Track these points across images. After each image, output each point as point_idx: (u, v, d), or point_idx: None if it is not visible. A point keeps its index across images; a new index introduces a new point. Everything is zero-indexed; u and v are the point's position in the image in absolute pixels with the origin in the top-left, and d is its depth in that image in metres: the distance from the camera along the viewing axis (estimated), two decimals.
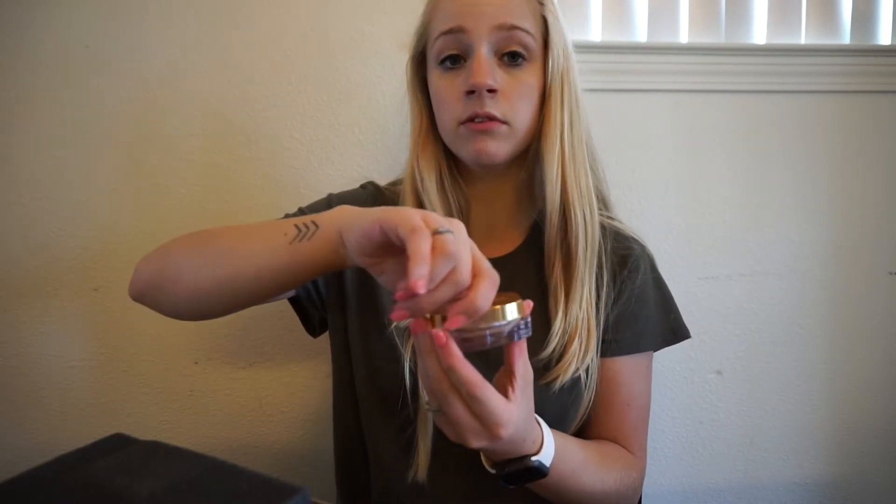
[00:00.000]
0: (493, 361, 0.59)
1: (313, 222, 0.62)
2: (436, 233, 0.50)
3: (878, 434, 1.18)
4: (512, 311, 0.53)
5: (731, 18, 1.10)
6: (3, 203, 0.98)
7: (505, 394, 0.57)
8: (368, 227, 0.54)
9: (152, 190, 1.01)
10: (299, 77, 1.01)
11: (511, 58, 0.74)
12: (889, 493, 1.20)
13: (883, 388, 1.17)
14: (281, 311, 0.99)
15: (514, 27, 0.73)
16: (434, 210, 0.77)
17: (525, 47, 0.74)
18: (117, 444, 0.46)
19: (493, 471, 0.64)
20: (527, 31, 0.73)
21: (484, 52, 0.73)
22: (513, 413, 0.56)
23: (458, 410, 0.55)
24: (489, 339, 0.53)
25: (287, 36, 1.01)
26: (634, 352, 0.81)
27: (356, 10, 1.01)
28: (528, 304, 0.55)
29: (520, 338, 0.55)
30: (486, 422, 0.55)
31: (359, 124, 1.04)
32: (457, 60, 0.75)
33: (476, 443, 0.56)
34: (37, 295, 1.00)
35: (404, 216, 0.51)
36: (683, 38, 1.10)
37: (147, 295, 0.70)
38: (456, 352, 0.52)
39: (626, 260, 0.82)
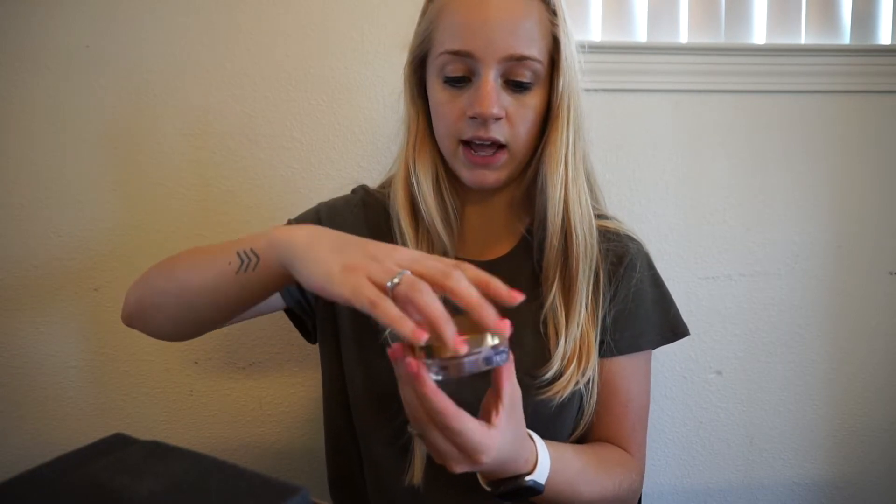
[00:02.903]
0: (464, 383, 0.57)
1: (253, 252, 0.62)
2: (391, 288, 0.50)
3: (878, 434, 1.18)
4: (485, 340, 0.52)
5: (731, 18, 1.10)
6: (3, 203, 0.98)
7: (489, 417, 0.56)
8: (313, 287, 0.55)
9: (152, 190, 1.00)
10: (299, 77, 1.01)
11: (517, 84, 0.72)
12: (889, 494, 1.19)
13: (883, 388, 1.17)
14: (280, 311, 0.99)
15: (523, 57, 0.71)
16: (429, 212, 0.77)
17: (533, 73, 0.72)
18: (117, 444, 0.46)
19: (488, 489, 0.64)
20: (536, 60, 0.72)
21: (491, 79, 0.71)
22: (494, 439, 0.55)
23: (437, 438, 0.55)
24: (466, 367, 0.52)
25: (287, 36, 1.01)
26: (633, 351, 0.81)
27: (356, 10, 1.01)
28: (507, 329, 0.53)
29: (499, 363, 0.54)
30: (464, 450, 0.55)
31: (359, 124, 1.03)
32: (461, 80, 0.73)
33: (458, 468, 0.56)
34: (37, 295, 1.00)
35: (352, 289, 0.51)
36: (683, 38, 1.10)
37: (133, 321, 0.75)
38: (428, 381, 0.51)
39: (621, 259, 0.81)
